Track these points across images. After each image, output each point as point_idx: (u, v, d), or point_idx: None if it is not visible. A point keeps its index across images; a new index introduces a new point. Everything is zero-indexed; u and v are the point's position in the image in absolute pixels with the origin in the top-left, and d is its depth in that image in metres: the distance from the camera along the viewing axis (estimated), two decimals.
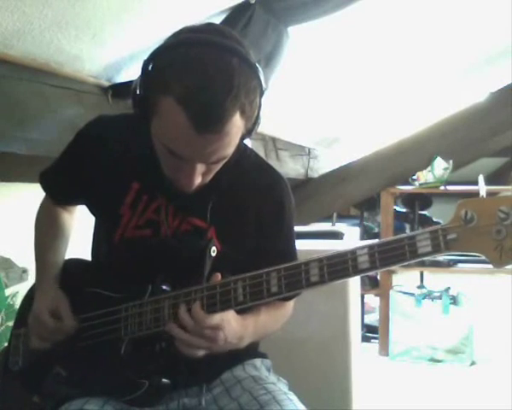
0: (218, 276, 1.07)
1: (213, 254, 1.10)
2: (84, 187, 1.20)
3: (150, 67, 0.98)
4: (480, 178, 1.05)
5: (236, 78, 0.93)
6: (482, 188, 1.02)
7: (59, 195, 1.30)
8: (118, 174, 1.15)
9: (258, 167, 1.21)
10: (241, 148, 1.12)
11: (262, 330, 1.17)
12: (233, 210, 1.15)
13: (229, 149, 1.00)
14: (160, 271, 1.11)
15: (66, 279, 1.24)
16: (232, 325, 1.05)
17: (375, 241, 1.00)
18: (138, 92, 1.00)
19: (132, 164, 1.15)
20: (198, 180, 1.02)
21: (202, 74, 0.92)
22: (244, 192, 1.17)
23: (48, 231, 1.30)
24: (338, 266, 0.99)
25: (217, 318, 1.03)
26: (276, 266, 1.05)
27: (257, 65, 0.98)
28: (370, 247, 0.98)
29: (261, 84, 0.99)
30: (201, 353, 1.05)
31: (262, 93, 1.00)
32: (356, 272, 0.99)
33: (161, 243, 1.13)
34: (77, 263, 1.28)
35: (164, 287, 1.10)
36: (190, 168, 1.00)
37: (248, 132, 1.03)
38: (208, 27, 1.00)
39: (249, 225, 1.16)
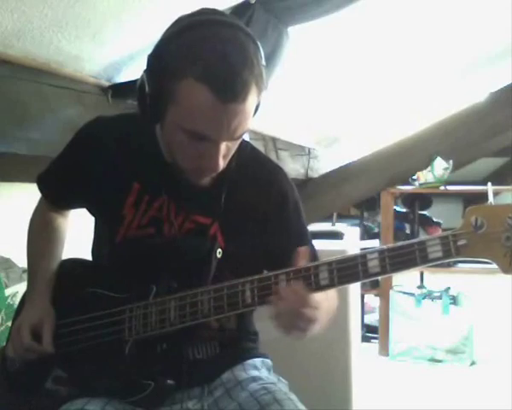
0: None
1: (219, 256, 1.09)
2: (83, 189, 1.20)
3: (157, 60, 0.98)
4: (489, 187, 1.07)
5: (247, 49, 0.96)
6: (491, 195, 1.03)
7: (57, 198, 1.29)
8: (118, 175, 1.14)
9: (255, 160, 1.21)
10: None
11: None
12: (235, 205, 1.15)
13: (249, 123, 1.00)
14: (163, 271, 1.10)
15: (65, 279, 1.23)
16: (323, 307, 1.02)
17: (385, 245, 1.00)
18: (148, 89, 1.00)
19: (132, 164, 1.14)
20: (221, 163, 1.02)
21: (216, 49, 0.93)
22: (245, 186, 1.17)
23: (42, 237, 1.28)
24: (348, 270, 0.99)
25: (316, 297, 0.99)
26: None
27: (255, 37, 1.00)
28: (380, 251, 0.98)
29: (262, 54, 1.01)
30: (297, 334, 1.02)
31: (264, 64, 1.01)
32: (366, 276, 0.99)
33: (165, 244, 1.13)
34: (77, 262, 1.27)
35: (169, 288, 1.10)
36: (215, 149, 1.00)
37: (256, 109, 1.03)
38: (204, 10, 1.01)
39: (253, 219, 1.16)
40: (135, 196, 1.14)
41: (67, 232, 1.34)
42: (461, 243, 0.96)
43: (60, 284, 1.22)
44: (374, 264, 0.98)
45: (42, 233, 1.29)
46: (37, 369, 1.16)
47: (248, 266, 1.12)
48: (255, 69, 0.96)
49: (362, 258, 0.99)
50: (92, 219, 1.26)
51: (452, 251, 0.96)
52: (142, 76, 1.02)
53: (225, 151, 1.02)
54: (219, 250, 1.09)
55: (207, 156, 1.01)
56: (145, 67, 1.01)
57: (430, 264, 0.98)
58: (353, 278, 1.00)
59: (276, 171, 1.22)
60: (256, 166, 1.20)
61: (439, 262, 0.98)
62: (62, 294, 1.20)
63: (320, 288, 1.00)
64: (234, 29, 0.97)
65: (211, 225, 1.13)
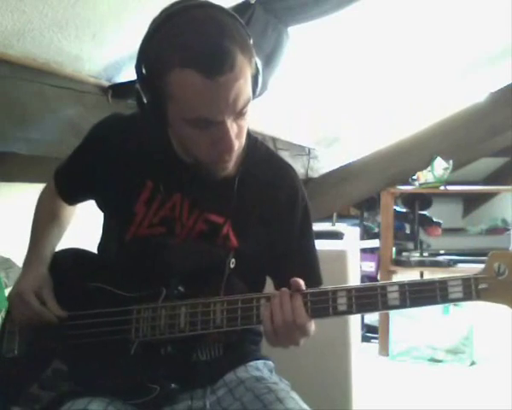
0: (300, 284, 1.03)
1: (232, 266, 1.09)
2: (96, 186, 1.20)
3: (142, 66, 0.99)
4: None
5: (223, 21, 0.96)
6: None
7: (68, 195, 1.30)
8: (131, 173, 1.14)
9: (269, 159, 1.21)
10: (252, 140, 1.16)
11: None
12: (248, 203, 1.15)
13: (247, 92, 0.99)
14: (174, 275, 1.10)
15: (69, 270, 1.22)
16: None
17: (406, 280, 1.01)
18: (144, 97, 1.01)
19: (145, 162, 1.14)
20: (235, 142, 1.01)
21: (191, 31, 0.94)
22: (258, 185, 1.16)
23: (47, 215, 1.29)
24: (367, 299, 1.00)
25: (310, 324, 1.02)
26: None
27: (231, 12, 1.00)
28: (401, 285, 0.99)
29: (245, 28, 1.01)
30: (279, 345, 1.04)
31: (250, 38, 1.01)
32: (385, 307, 1.00)
33: (178, 247, 1.12)
34: (80, 254, 1.25)
35: (178, 292, 1.09)
36: (224, 129, 0.98)
37: (255, 80, 1.03)
38: (173, 3, 1.01)
39: (264, 217, 1.15)
40: (148, 194, 1.14)
41: (72, 217, 1.36)
42: (482, 286, 0.97)
43: (64, 275, 1.21)
44: (393, 296, 0.99)
45: (46, 215, 1.30)
46: (36, 358, 1.14)
47: (258, 269, 1.13)
48: (236, 36, 0.96)
49: (382, 289, 0.99)
50: (100, 215, 1.25)
51: (473, 294, 0.97)
52: (136, 88, 1.02)
53: (236, 130, 1.01)
54: (233, 260, 1.09)
55: (220, 140, 1.00)
56: (136, 78, 1.02)
57: (450, 303, 1.00)
58: (372, 308, 1.01)
59: (291, 171, 1.22)
60: (271, 165, 1.20)
61: (458, 302, 1.00)
62: (67, 285, 1.19)
63: (337, 313, 1.01)
64: (205, 8, 0.97)
65: (223, 224, 1.12)
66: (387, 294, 0.99)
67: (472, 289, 0.97)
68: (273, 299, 1.01)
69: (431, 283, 0.98)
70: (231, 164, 1.07)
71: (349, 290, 1.01)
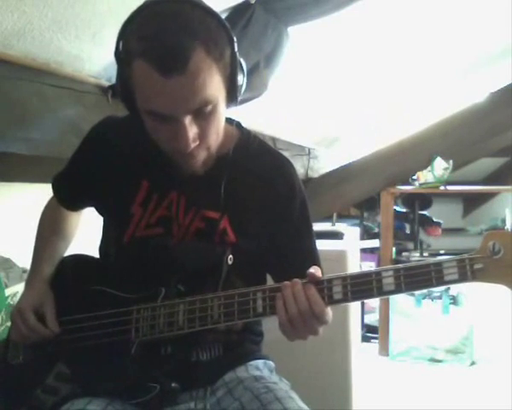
0: (318, 271, 1.01)
1: (230, 263, 1.09)
2: (93, 190, 1.20)
3: (115, 57, 1.00)
4: (508, 213, 1.07)
5: (190, 16, 0.94)
6: (509, 221, 1.04)
7: (68, 201, 1.30)
8: (127, 174, 1.15)
9: (264, 152, 1.21)
10: (245, 133, 1.15)
11: None
12: (244, 197, 1.14)
13: (207, 92, 0.96)
14: (172, 274, 1.10)
15: (71, 275, 1.23)
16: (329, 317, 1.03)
17: (401, 264, 0.99)
18: (119, 86, 1.02)
19: (141, 163, 1.15)
20: (194, 141, 1.00)
21: (154, 23, 0.93)
22: (253, 178, 1.16)
23: (50, 228, 1.30)
24: (362, 286, 0.99)
25: (328, 311, 1.01)
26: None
27: (215, 11, 0.98)
28: (396, 270, 0.98)
29: (225, 27, 0.98)
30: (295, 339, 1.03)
31: (231, 38, 0.99)
32: (380, 293, 0.99)
33: (175, 247, 1.12)
34: (82, 259, 1.26)
35: (178, 291, 1.09)
36: (180, 127, 0.98)
37: (231, 82, 1.01)
38: None
39: (262, 211, 1.15)
40: (144, 194, 1.14)
41: (78, 227, 1.36)
42: (477, 266, 0.95)
43: (65, 280, 1.22)
44: (388, 282, 0.98)
45: (50, 226, 1.30)
46: (40, 363, 1.15)
47: (257, 265, 1.13)
48: (201, 35, 0.93)
49: (376, 275, 0.98)
50: (100, 218, 1.26)
51: (468, 274, 0.95)
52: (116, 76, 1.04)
53: (197, 130, 1.00)
54: (230, 257, 1.09)
55: (178, 136, 0.99)
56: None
57: (447, 286, 0.98)
58: (367, 295, 1.00)
59: (285, 162, 1.21)
60: (265, 158, 1.20)
61: (455, 284, 0.98)
62: (68, 290, 1.20)
63: (332, 302, 1.00)
64: (177, 3, 0.95)
65: (220, 220, 1.12)
66: (382, 279, 0.98)
67: (467, 270, 0.95)
68: (285, 289, 1.00)
69: (425, 266, 0.97)
70: (198, 161, 1.06)
71: (344, 278, 0.99)
